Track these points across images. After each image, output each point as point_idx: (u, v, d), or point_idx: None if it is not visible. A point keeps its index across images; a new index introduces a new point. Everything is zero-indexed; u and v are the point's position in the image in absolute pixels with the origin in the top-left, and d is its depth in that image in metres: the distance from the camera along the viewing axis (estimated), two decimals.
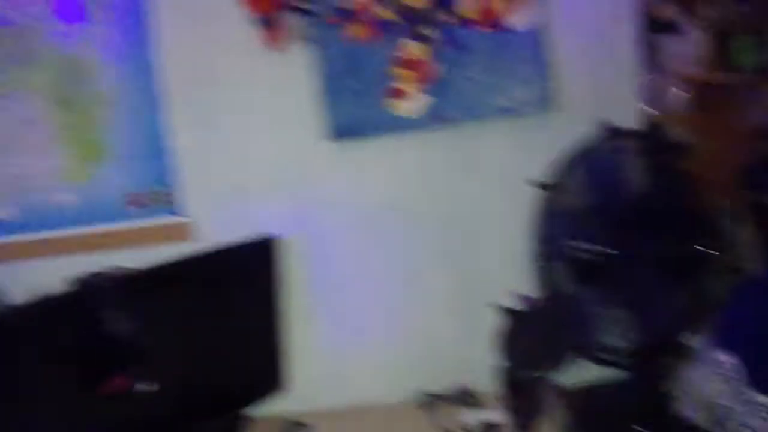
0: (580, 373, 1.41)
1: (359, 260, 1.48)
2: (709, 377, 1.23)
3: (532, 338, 1.04)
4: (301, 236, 1.45)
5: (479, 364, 1.48)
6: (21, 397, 1.12)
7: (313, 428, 1.45)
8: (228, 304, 1.35)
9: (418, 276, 1.49)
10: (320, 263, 1.47)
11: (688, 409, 1.27)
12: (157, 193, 1.47)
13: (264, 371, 1.48)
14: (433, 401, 1.47)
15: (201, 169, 1.46)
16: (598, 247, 1.10)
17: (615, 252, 1.11)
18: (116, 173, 1.47)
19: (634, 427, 1.27)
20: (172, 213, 1.48)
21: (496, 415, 1.39)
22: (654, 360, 1.25)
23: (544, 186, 1.22)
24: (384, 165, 1.46)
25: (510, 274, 1.31)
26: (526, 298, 1.05)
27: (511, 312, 1.05)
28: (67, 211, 1.48)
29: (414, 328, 1.52)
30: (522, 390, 1.12)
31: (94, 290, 1.12)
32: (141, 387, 1.11)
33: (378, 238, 1.47)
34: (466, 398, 1.48)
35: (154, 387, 1.12)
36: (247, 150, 1.46)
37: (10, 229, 1.50)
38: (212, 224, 1.46)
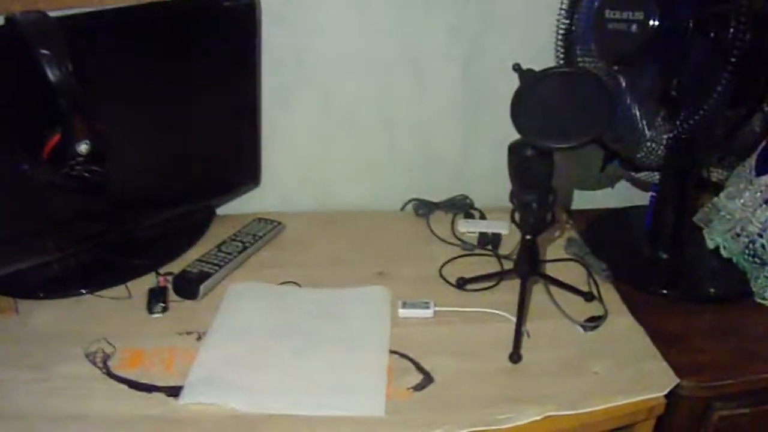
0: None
1: (354, 38, 1.23)
2: (750, 202, 1.09)
3: (544, 104, 0.82)
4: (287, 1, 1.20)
5: (483, 177, 1.35)
6: None
7: (284, 227, 1.28)
8: (197, 68, 1.12)
9: (421, 66, 1.26)
10: (307, 35, 1.22)
11: (717, 239, 1.14)
12: None
13: (235, 159, 1.28)
14: (427, 211, 1.31)
15: None
16: (639, 15, 0.88)
17: (656, 22, 0.89)
18: None
19: (657, 253, 1.13)
20: None
21: (497, 225, 1.25)
22: (685, 176, 1.09)
23: None
24: None
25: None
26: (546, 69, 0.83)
27: (528, 72, 0.82)
28: None
29: (411, 127, 1.32)
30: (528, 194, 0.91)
31: (33, 28, 0.87)
32: (82, 148, 0.91)
33: (379, 16, 1.22)
34: (465, 208, 1.31)
35: (94, 149, 0.92)
36: None
37: None
38: None
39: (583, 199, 1.41)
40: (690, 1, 0.91)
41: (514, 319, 0.96)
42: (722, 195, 1.14)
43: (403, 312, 1.02)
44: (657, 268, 1.11)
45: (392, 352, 0.94)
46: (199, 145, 1.21)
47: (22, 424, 0.85)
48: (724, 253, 1.12)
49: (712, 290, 1.08)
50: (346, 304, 1.05)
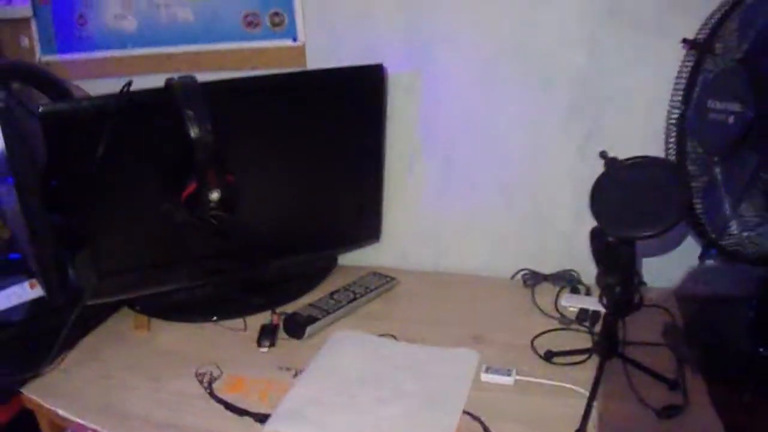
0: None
1: (477, 107, 1.31)
2: None
3: (624, 192, 0.84)
4: (416, 73, 1.31)
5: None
6: (106, 192, 1.11)
7: (397, 282, 1.36)
8: (328, 130, 1.26)
9: (539, 138, 1.30)
10: (431, 105, 1.32)
11: None
12: (274, 15, 1.37)
13: (358, 215, 1.39)
14: (535, 282, 1.33)
15: None
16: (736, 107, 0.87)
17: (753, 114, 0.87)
18: None
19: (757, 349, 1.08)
20: (289, 36, 1.37)
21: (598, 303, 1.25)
22: None
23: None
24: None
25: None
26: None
27: (613, 160, 0.84)
28: (184, 28, 1.43)
29: (527, 195, 1.36)
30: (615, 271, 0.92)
31: (182, 91, 1.04)
32: (214, 196, 1.05)
33: (501, 89, 1.29)
34: (572, 283, 1.32)
35: (225, 197, 1.06)
36: None
37: (129, 41, 1.47)
38: (327, 50, 1.35)
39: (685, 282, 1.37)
40: None
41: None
42: None
43: (485, 376, 1.05)
44: (753, 366, 1.06)
45: (465, 412, 0.98)
46: (326, 199, 1.34)
47: (130, 424, 0.99)
48: None
49: None
50: (435, 362, 1.10)
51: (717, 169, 0.96)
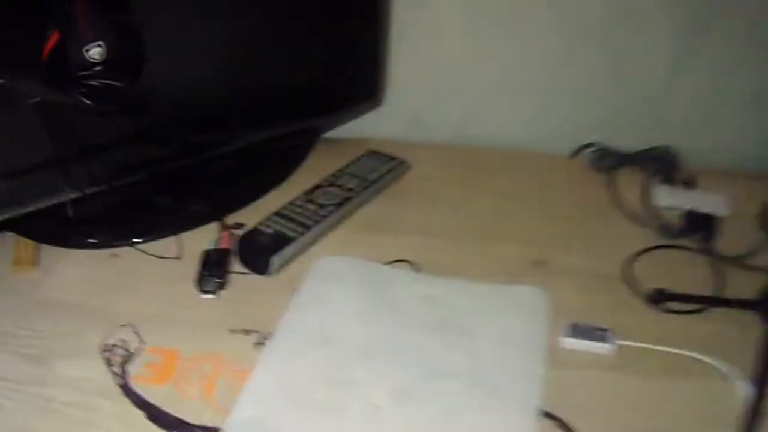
0: None
1: None
2: None
3: None
4: None
5: (696, 120, 0.94)
6: None
7: (408, 167, 0.93)
8: None
9: None
10: None
11: None
12: None
13: (347, 65, 0.93)
14: (611, 165, 0.91)
15: None
16: None
17: None
18: None
19: None
20: None
21: (711, 201, 0.84)
22: None
23: None
24: None
25: None
26: None
27: None
28: None
29: (598, 41, 0.91)
30: None
31: None
32: (94, 52, 0.58)
33: None
34: (667, 168, 0.90)
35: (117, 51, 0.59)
36: None
37: None
38: None
39: None
40: None
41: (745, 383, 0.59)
42: None
43: (567, 342, 0.66)
44: None
45: (543, 414, 0.60)
46: (299, 43, 0.85)
47: None
48: None
49: None
50: (481, 312, 0.69)
51: None
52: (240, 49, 0.82)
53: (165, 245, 0.80)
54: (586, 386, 0.62)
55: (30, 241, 0.81)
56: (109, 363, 0.65)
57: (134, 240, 0.79)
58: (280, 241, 0.76)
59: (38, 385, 0.64)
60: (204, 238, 0.80)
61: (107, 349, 0.67)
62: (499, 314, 0.69)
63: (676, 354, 0.64)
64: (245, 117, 0.87)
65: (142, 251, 0.79)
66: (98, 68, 0.60)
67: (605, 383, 0.63)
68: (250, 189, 0.87)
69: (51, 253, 0.80)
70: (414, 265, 0.76)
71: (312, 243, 0.79)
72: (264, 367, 0.63)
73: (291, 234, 0.77)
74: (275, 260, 0.74)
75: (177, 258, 0.78)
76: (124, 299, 0.73)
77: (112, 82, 0.61)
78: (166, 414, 0.60)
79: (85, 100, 0.62)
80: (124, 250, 0.80)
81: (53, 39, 0.59)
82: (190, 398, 0.62)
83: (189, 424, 0.59)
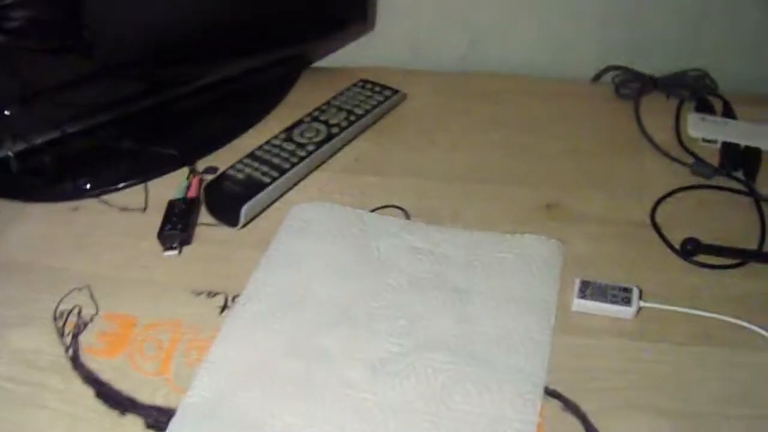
0: None
1: None
2: None
3: None
4: None
5: (735, 40, 0.81)
6: None
7: (404, 96, 0.82)
8: None
9: None
10: None
11: None
12: None
13: None
14: (637, 90, 0.79)
15: None
16: None
17: None
18: None
19: None
20: None
21: (754, 132, 0.72)
22: None
23: None
24: None
25: None
26: None
27: None
28: None
29: None
30: None
31: None
32: None
33: None
34: (701, 93, 0.78)
35: None
36: None
37: None
38: None
39: None
40: None
41: None
42: None
43: (580, 304, 0.56)
44: None
45: (548, 393, 0.51)
46: None
47: None
48: None
49: None
50: (481, 268, 0.60)
51: None
52: None
53: (131, 195, 0.71)
54: (603, 358, 0.53)
55: None
56: (61, 333, 0.58)
57: (89, 186, 0.71)
58: (252, 188, 0.66)
59: None
60: (174, 186, 0.71)
61: (60, 317, 0.60)
62: (501, 270, 0.59)
63: (710, 318, 0.54)
64: (219, 46, 0.75)
65: (105, 203, 0.71)
66: None
67: (626, 354, 0.53)
68: (225, 129, 0.77)
69: (6, 207, 0.72)
70: (405, 212, 0.66)
71: (288, 188, 0.69)
72: (225, 337, 0.55)
73: (265, 179, 0.67)
74: (245, 210, 0.65)
75: (142, 210, 0.69)
76: (82, 258, 0.65)
77: (41, 15, 0.51)
78: (117, 392, 0.53)
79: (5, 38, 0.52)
80: (86, 202, 0.71)
81: None
82: (145, 373, 0.54)
83: (141, 404, 0.52)
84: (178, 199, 0.67)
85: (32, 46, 0.57)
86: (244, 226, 0.66)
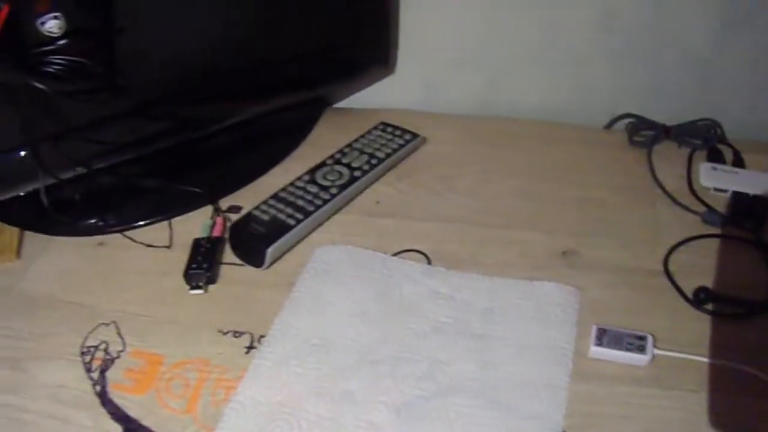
0: None
1: None
2: None
3: None
4: None
5: (745, 90, 0.83)
6: None
7: (424, 140, 0.84)
8: None
9: None
10: None
11: None
12: None
13: (354, 25, 0.83)
14: (649, 139, 0.81)
15: None
16: None
17: None
18: None
19: None
20: None
21: (762, 181, 0.75)
22: None
23: None
24: None
25: None
26: None
27: None
28: None
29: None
30: None
31: None
32: (51, 25, 0.50)
33: None
34: (711, 142, 0.80)
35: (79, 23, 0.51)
36: None
37: None
38: None
39: None
40: None
41: None
42: None
43: (597, 351, 0.58)
44: None
45: None
46: (299, 2, 0.77)
47: None
48: None
49: None
50: (501, 314, 0.61)
51: None
52: (235, 10, 0.73)
53: (155, 232, 0.73)
54: (616, 404, 0.54)
55: (14, 228, 0.75)
56: (87, 369, 0.60)
57: (116, 224, 0.73)
58: (278, 230, 0.68)
59: (10, 392, 0.58)
60: (199, 223, 0.73)
61: (86, 352, 0.61)
62: (521, 316, 0.61)
63: (722, 366, 0.56)
64: (243, 88, 0.78)
65: (130, 239, 0.73)
66: (58, 43, 0.53)
67: (638, 401, 0.55)
68: (248, 168, 0.79)
69: (35, 240, 0.74)
70: (427, 257, 0.68)
71: (311, 230, 0.71)
72: (252, 377, 0.57)
73: (290, 221, 0.69)
74: (271, 252, 0.66)
75: (167, 247, 0.71)
76: (108, 294, 0.67)
77: (75, 59, 0.53)
78: (147, 429, 0.55)
79: (40, 82, 0.54)
80: (111, 238, 0.73)
81: (3, 12, 0.51)
82: (173, 411, 0.56)
83: None
84: (203, 238, 0.69)
85: (67, 89, 0.58)
86: (269, 266, 0.68)
